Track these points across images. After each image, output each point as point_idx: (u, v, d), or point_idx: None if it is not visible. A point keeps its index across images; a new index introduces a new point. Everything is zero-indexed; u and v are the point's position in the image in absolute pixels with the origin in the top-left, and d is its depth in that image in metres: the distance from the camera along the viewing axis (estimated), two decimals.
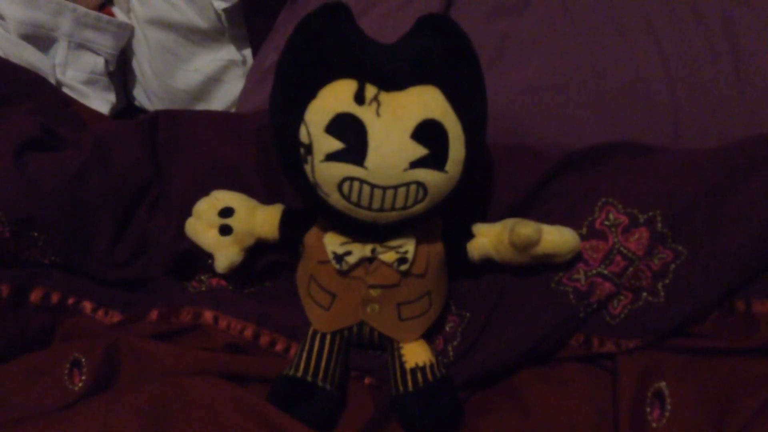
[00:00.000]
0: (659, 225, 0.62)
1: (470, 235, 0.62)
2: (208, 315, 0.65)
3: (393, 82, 0.51)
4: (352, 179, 0.52)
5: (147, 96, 1.05)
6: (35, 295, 0.64)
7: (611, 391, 0.62)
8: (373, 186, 0.52)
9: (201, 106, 1.02)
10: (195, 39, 0.97)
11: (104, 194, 0.67)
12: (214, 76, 1.00)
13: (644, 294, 0.63)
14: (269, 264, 0.70)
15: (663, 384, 0.59)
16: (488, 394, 0.64)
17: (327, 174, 0.52)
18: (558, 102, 0.75)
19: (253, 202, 0.66)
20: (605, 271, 0.62)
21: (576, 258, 0.63)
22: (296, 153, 0.53)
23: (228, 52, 0.99)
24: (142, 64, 1.02)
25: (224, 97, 1.02)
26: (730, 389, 0.58)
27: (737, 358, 0.60)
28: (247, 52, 1.00)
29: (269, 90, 0.57)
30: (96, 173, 0.67)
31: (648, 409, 0.59)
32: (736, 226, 0.61)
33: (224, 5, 0.91)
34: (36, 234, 0.64)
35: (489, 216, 0.67)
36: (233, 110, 0.99)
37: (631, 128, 0.74)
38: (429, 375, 0.61)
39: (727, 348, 0.61)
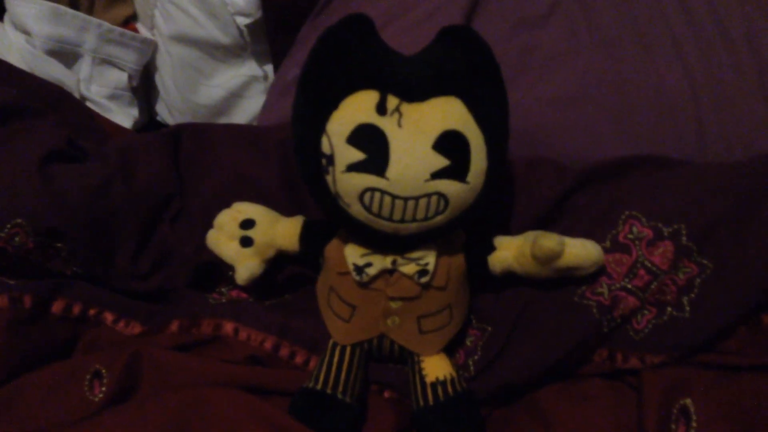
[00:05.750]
0: (684, 238, 0.61)
1: (492, 248, 0.62)
2: (228, 326, 0.65)
3: (415, 93, 0.51)
4: (373, 190, 0.52)
5: (169, 111, 1.06)
6: (57, 306, 0.64)
7: (635, 407, 0.61)
8: (394, 197, 0.52)
9: (222, 121, 1.03)
10: (217, 55, 0.98)
11: (128, 206, 0.68)
12: (236, 91, 1.01)
13: (669, 308, 0.62)
14: (289, 276, 0.70)
15: (688, 401, 0.58)
16: (510, 411, 0.64)
17: (348, 184, 0.52)
18: (581, 115, 0.75)
19: (274, 214, 0.66)
20: (629, 285, 0.62)
21: (599, 271, 0.62)
22: (318, 164, 0.53)
23: (250, 68, 1.00)
24: (165, 79, 1.03)
25: (245, 112, 1.02)
26: (756, 406, 0.58)
27: (764, 375, 0.59)
28: (269, 68, 1.01)
29: (291, 104, 0.57)
30: (120, 185, 0.68)
31: (673, 426, 0.58)
32: (762, 240, 0.60)
33: (247, 21, 0.92)
34: (59, 245, 0.65)
35: (511, 229, 0.67)
36: (254, 124, 0.99)
37: (656, 142, 0.73)
38: (450, 389, 0.60)
39: (753, 364, 0.60)
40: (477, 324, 0.68)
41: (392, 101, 0.51)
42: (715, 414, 0.58)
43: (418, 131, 0.51)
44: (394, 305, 0.60)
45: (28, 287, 0.63)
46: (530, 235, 0.60)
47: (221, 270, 0.68)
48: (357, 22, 0.54)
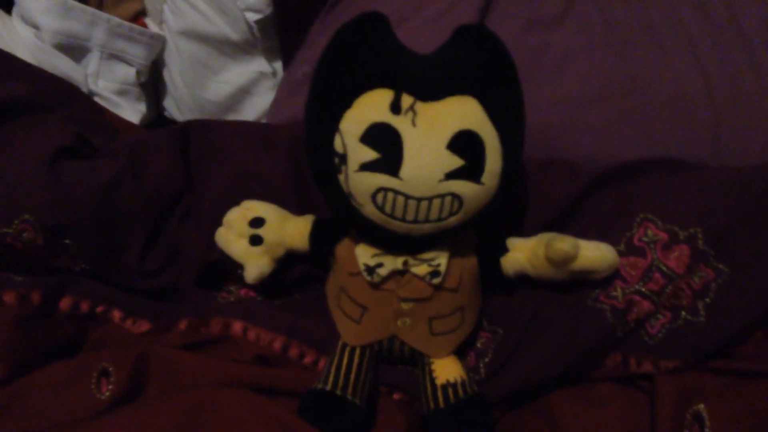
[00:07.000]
0: (700, 242, 0.60)
1: (505, 250, 0.61)
2: (237, 326, 0.64)
3: (429, 92, 0.51)
4: (386, 190, 0.51)
5: (177, 107, 1.06)
6: (65, 303, 0.64)
7: (648, 412, 0.60)
8: (407, 197, 0.51)
9: (231, 118, 1.02)
10: (227, 51, 0.97)
11: (136, 204, 0.67)
12: (245, 87, 1.00)
13: (684, 313, 0.61)
14: (299, 275, 0.69)
15: (702, 406, 0.58)
16: (521, 414, 0.63)
17: (361, 184, 0.52)
18: (594, 116, 0.74)
19: (284, 213, 0.66)
20: (643, 289, 0.61)
21: (613, 275, 0.61)
22: (330, 163, 0.53)
23: (259, 64, 0.99)
24: (174, 75, 1.02)
25: (254, 109, 1.02)
26: None
27: None
28: (278, 65, 1.01)
29: (300, 102, 0.56)
30: (129, 182, 0.67)
31: None
32: None
33: (256, 17, 0.92)
34: (68, 241, 0.64)
35: (524, 231, 0.66)
36: (263, 122, 0.99)
37: (670, 143, 0.72)
38: (460, 392, 0.60)
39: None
40: (488, 326, 0.67)
41: (407, 100, 0.50)
42: (729, 419, 0.57)
43: (433, 131, 0.50)
44: (405, 306, 0.59)
45: (36, 284, 0.62)
46: (544, 237, 0.59)
47: (230, 268, 0.68)
48: (372, 19, 0.53)
